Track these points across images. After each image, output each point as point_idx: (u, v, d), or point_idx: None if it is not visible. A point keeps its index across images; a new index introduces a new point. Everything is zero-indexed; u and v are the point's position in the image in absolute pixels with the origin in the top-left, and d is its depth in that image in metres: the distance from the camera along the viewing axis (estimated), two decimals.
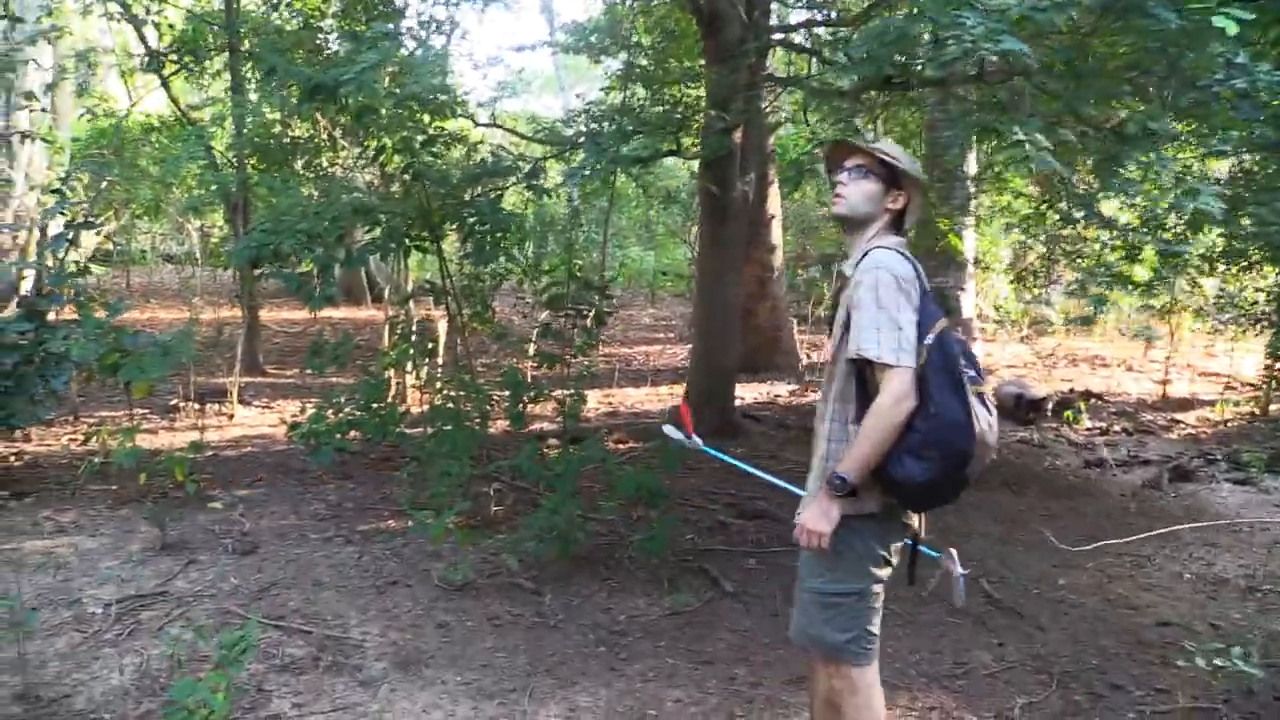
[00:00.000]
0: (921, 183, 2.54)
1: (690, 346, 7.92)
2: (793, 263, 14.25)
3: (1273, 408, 10.19)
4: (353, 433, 5.05)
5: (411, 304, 5.89)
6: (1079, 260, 7.63)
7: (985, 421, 2.31)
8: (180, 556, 4.61)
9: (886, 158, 2.47)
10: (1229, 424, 9.59)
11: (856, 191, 2.48)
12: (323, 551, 4.72)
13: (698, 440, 3.24)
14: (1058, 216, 7.82)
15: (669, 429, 3.31)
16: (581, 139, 6.47)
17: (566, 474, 4.21)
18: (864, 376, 2.37)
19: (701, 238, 7.63)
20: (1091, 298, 6.62)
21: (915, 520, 2.53)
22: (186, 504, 5.33)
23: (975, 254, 12.01)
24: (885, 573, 2.50)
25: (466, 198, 4.57)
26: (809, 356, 11.82)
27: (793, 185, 6.41)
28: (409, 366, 5.66)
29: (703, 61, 9.00)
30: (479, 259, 4.10)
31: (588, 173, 3.95)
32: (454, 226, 4.63)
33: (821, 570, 2.45)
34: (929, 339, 2.29)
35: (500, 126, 6.64)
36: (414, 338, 5.45)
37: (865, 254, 2.42)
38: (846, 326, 2.39)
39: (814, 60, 7.46)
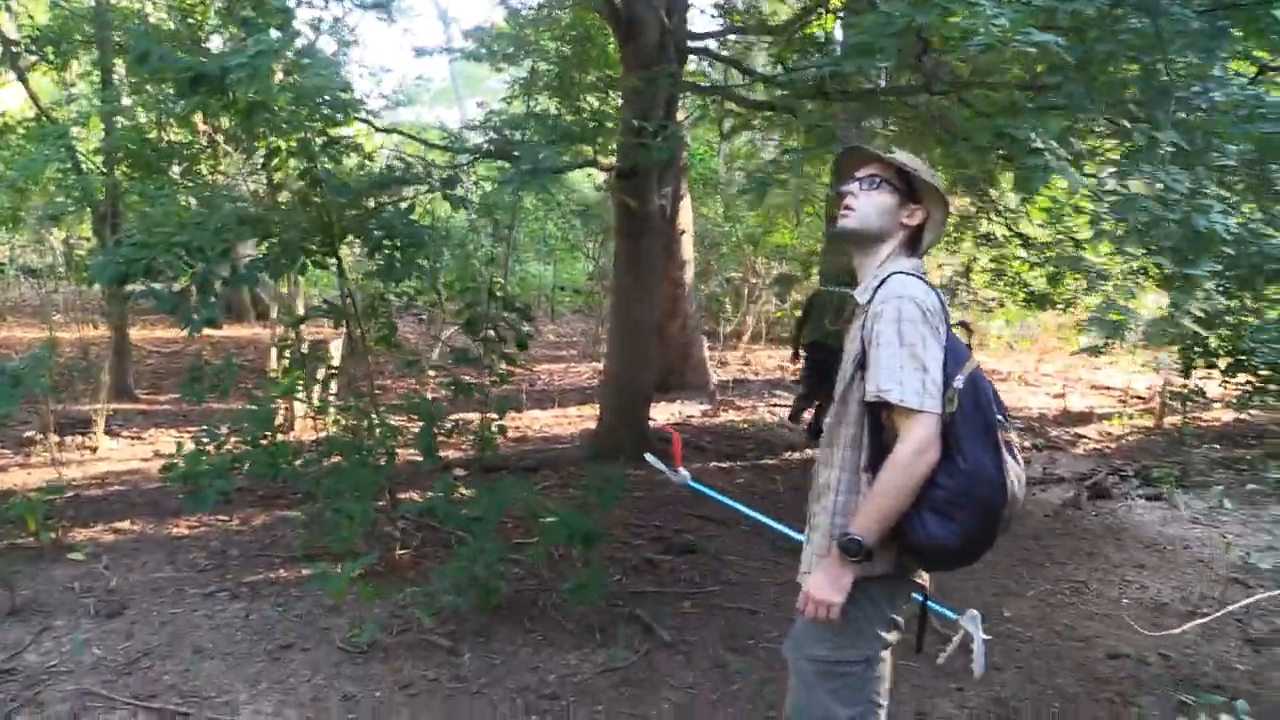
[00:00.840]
0: (944, 199, 2.25)
1: (602, 365, 7.53)
2: (700, 279, 14.05)
3: (1167, 420, 10.44)
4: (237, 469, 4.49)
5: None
6: (999, 278, 7.56)
7: (1015, 474, 2.04)
8: (32, 622, 3.96)
9: (905, 167, 2.19)
10: (1128, 438, 9.74)
11: (869, 204, 2.20)
12: (203, 610, 4.14)
13: (684, 474, 2.91)
14: (979, 235, 7.80)
15: (651, 458, 2.99)
16: (490, 146, 6.05)
17: (487, 516, 3.77)
18: (879, 420, 2.07)
19: (617, 253, 7.26)
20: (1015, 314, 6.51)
21: (926, 578, 2.25)
22: (41, 556, 4.67)
23: None
24: (894, 636, 2.21)
25: (372, 207, 4.10)
26: (718, 375, 11.58)
27: (758, 197, 6.00)
28: (300, 393, 5.10)
29: (609, 72, 8.71)
30: (389, 276, 3.64)
31: (519, 183, 3.54)
32: (357, 240, 4.15)
33: (825, 636, 2.14)
34: (959, 381, 2.02)
35: (403, 133, 6.12)
36: (305, 361, 4.91)
37: (883, 281, 2.10)
38: (861, 364, 2.09)
39: (732, 70, 7.22)
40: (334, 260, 4.20)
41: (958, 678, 3.93)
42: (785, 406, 10.15)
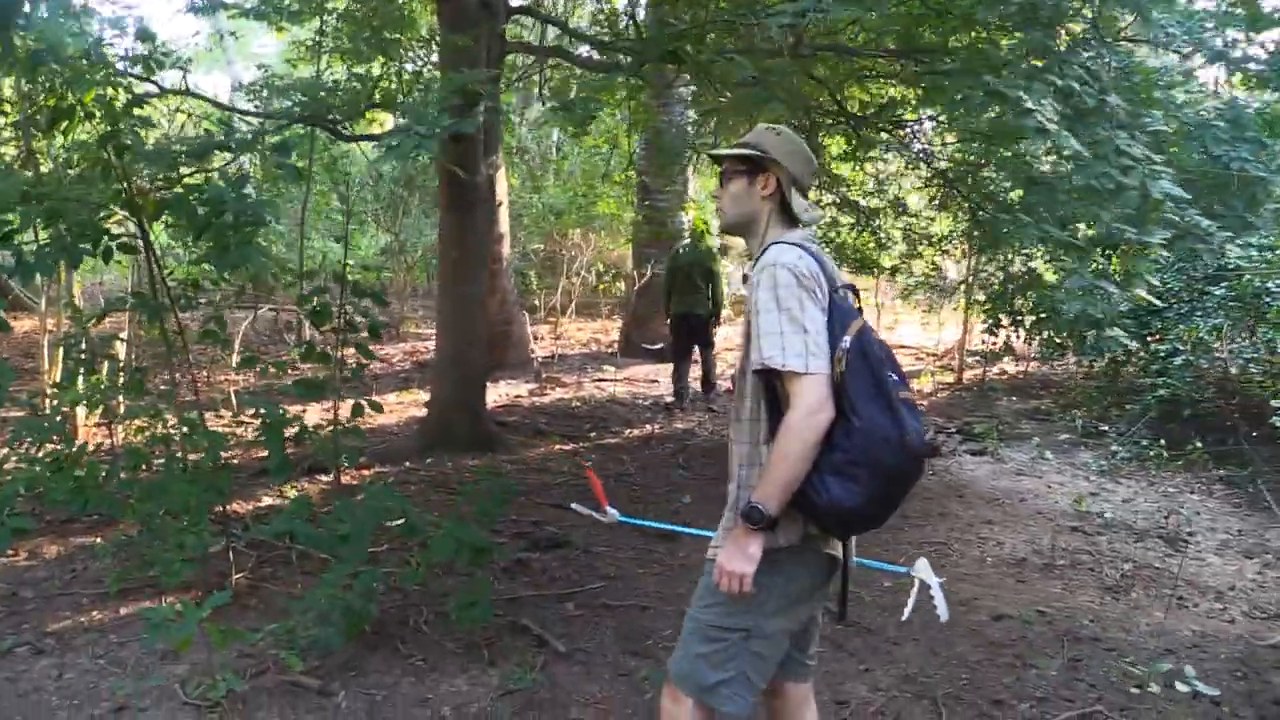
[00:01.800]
0: (799, 153, 2.24)
1: (433, 349, 6.99)
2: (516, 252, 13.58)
3: (966, 375, 11.04)
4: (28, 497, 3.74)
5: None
6: (825, 245, 7.58)
7: (914, 431, 1.97)
8: None
9: (737, 152, 2.25)
10: (938, 395, 10.20)
11: (726, 198, 2.29)
12: (4, 672, 3.40)
13: (614, 513, 2.61)
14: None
15: (578, 507, 2.66)
16: (301, 111, 5.39)
17: (356, 535, 3.27)
18: (774, 390, 2.04)
19: (443, 227, 6.73)
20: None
21: (839, 549, 2.17)
22: None
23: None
24: (791, 617, 2.17)
25: (185, 179, 3.45)
26: (536, 351, 11.21)
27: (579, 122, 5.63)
28: (92, 397, 4.33)
29: (407, 34, 8.06)
30: (224, 262, 3.04)
31: (414, 146, 3.01)
32: (169, 220, 3.49)
33: (716, 599, 2.12)
34: (846, 341, 2.00)
35: (204, 97, 5.27)
36: (93, 360, 4.16)
37: (762, 252, 2.14)
38: (749, 336, 2.10)
39: (560, 34, 6.81)
40: (140, 243, 3.52)
41: (862, 657, 3.83)
42: (609, 381, 9.95)
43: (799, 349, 1.95)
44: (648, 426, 7.99)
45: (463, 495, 3.78)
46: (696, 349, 8.77)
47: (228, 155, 3.85)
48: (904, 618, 2.63)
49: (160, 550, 3.58)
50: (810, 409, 1.93)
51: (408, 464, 6.36)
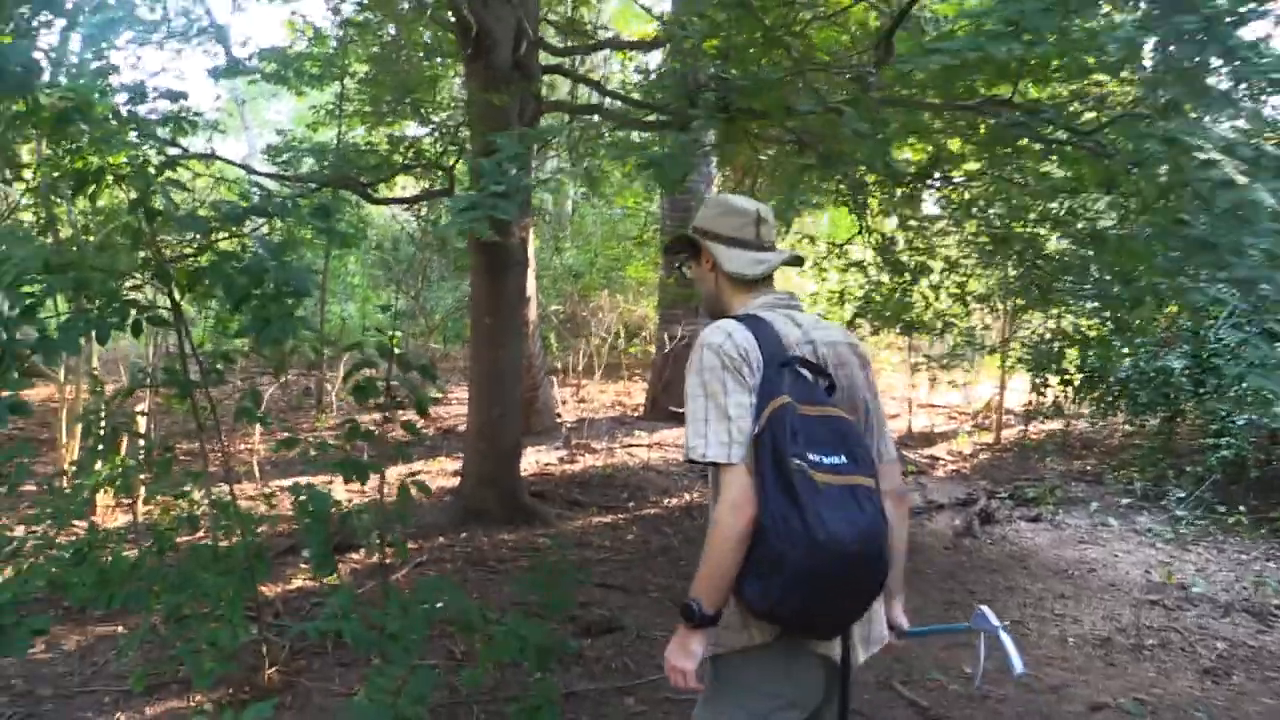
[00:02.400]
0: (726, 212, 2.15)
1: (465, 417, 6.72)
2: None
3: (1004, 434, 10.70)
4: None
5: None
6: (868, 305, 7.32)
7: (834, 527, 1.74)
8: None
9: (679, 235, 2.21)
10: (979, 456, 9.86)
11: (696, 282, 2.22)
12: None
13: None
14: (849, 262, 7.58)
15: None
16: (330, 173, 5.21)
17: (408, 633, 2.96)
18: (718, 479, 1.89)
19: (475, 292, 6.50)
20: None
21: (836, 647, 1.96)
22: None
23: None
24: (788, 714, 1.95)
25: (218, 248, 3.21)
26: (563, 416, 10.92)
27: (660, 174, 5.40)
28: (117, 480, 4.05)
29: (428, 97, 7.92)
30: (267, 335, 2.78)
31: (491, 207, 2.76)
32: (205, 288, 3.25)
33: (705, 697, 2.03)
34: (757, 425, 1.84)
35: (231, 161, 5.06)
36: (114, 437, 3.90)
37: None
38: None
39: (593, 92, 6.64)
40: (172, 314, 3.28)
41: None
42: (640, 446, 9.64)
43: (722, 438, 1.83)
44: (685, 495, 7.65)
45: (524, 583, 3.43)
46: None
47: (261, 220, 3.61)
48: (976, 683, 2.35)
49: (189, 647, 3.27)
50: (733, 503, 1.80)
51: (441, 539, 6.04)
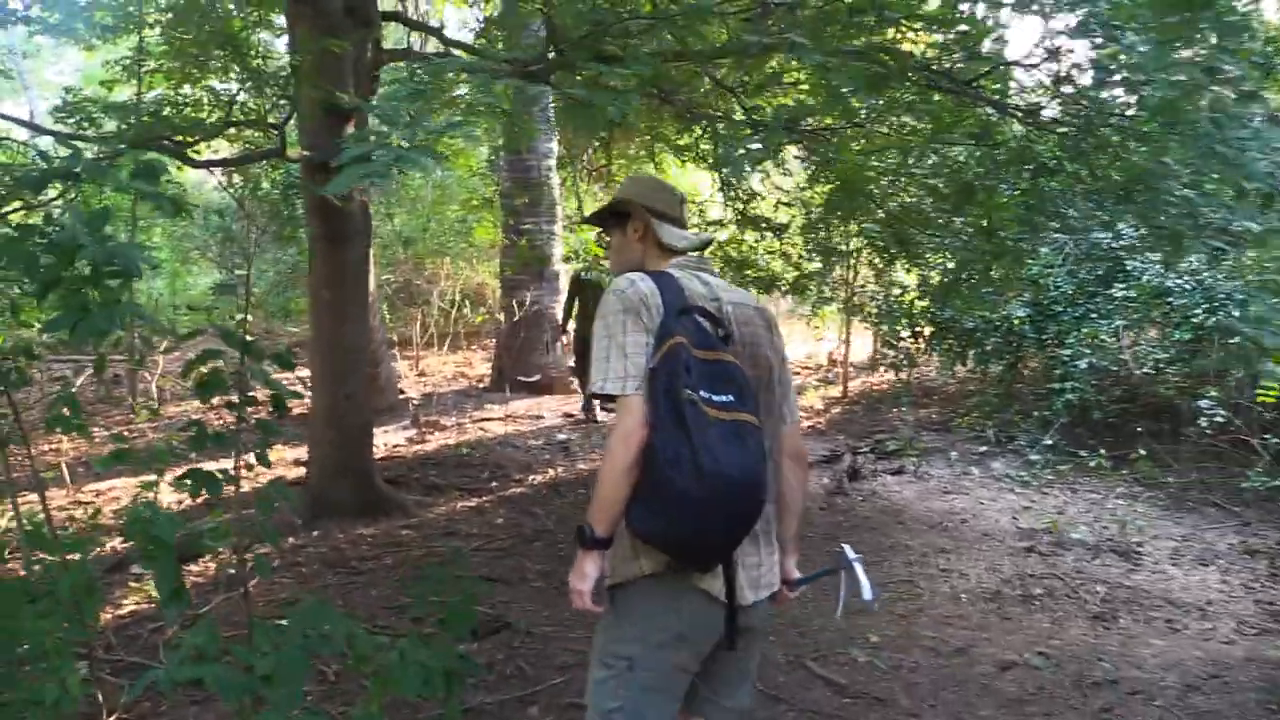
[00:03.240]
0: (659, 190, 2.35)
1: (309, 403, 6.09)
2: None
3: (851, 386, 10.87)
4: None
5: None
6: (729, 264, 7.14)
7: (726, 455, 1.86)
8: None
9: (608, 205, 2.36)
10: (830, 411, 9.95)
11: (611, 251, 2.43)
12: None
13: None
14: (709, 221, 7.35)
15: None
16: (138, 134, 4.52)
17: (284, 673, 2.48)
18: None
19: (315, 262, 5.86)
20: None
21: (718, 583, 2.02)
22: None
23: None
24: (677, 652, 2.03)
25: (18, 217, 2.59)
26: (406, 393, 10.30)
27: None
28: None
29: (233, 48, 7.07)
30: (88, 328, 2.22)
31: (393, 161, 2.24)
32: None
33: (605, 625, 2.12)
34: (653, 361, 1.97)
35: (7, 117, 4.14)
36: None
37: None
38: None
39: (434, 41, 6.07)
40: None
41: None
42: (493, 420, 9.21)
43: (619, 372, 1.97)
44: (549, 470, 7.29)
45: (412, 596, 2.96)
46: None
47: (63, 187, 2.96)
48: (837, 613, 2.42)
49: (9, 713, 2.67)
50: (623, 432, 1.92)
51: (292, 539, 5.45)
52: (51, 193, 3.75)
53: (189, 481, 2.78)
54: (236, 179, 9.49)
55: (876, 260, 7.57)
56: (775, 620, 4.29)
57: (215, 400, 2.85)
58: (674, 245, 2.26)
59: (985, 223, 5.41)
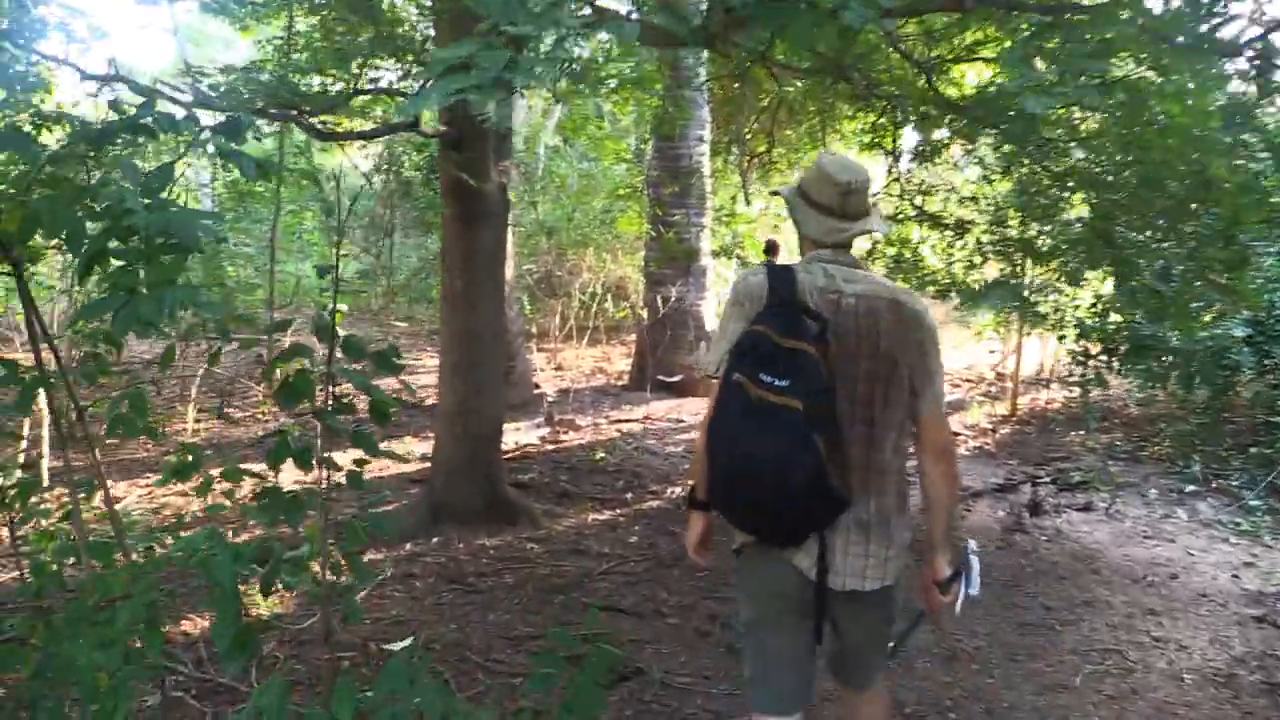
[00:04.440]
0: (814, 171, 2.26)
1: (437, 395, 5.69)
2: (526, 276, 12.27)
3: (1019, 403, 9.85)
4: None
5: None
6: (898, 264, 6.36)
7: (755, 433, 1.96)
8: None
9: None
10: (998, 431, 8.98)
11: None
12: None
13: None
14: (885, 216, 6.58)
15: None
16: (264, 103, 4.16)
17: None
18: None
19: (447, 247, 5.45)
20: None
21: (805, 559, 2.11)
22: None
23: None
24: (763, 616, 2.22)
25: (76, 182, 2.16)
26: (541, 388, 9.91)
27: None
28: None
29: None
30: (131, 315, 1.76)
31: (480, 82, 1.73)
32: (51, 241, 2.23)
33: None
34: (732, 346, 2.12)
35: (130, 81, 3.87)
36: None
37: None
38: None
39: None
40: (15, 277, 2.24)
41: None
42: (630, 422, 8.68)
43: (715, 356, 2.18)
44: (690, 482, 6.69)
45: (537, 685, 2.34)
46: None
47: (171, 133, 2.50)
48: (956, 611, 2.33)
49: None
50: (708, 407, 2.15)
51: (409, 546, 5.04)
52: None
53: (265, 500, 2.32)
54: (373, 157, 9.22)
55: (1073, 264, 6.61)
56: (954, 690, 3.61)
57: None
58: (815, 239, 2.26)
59: (1223, 224, 4.50)
